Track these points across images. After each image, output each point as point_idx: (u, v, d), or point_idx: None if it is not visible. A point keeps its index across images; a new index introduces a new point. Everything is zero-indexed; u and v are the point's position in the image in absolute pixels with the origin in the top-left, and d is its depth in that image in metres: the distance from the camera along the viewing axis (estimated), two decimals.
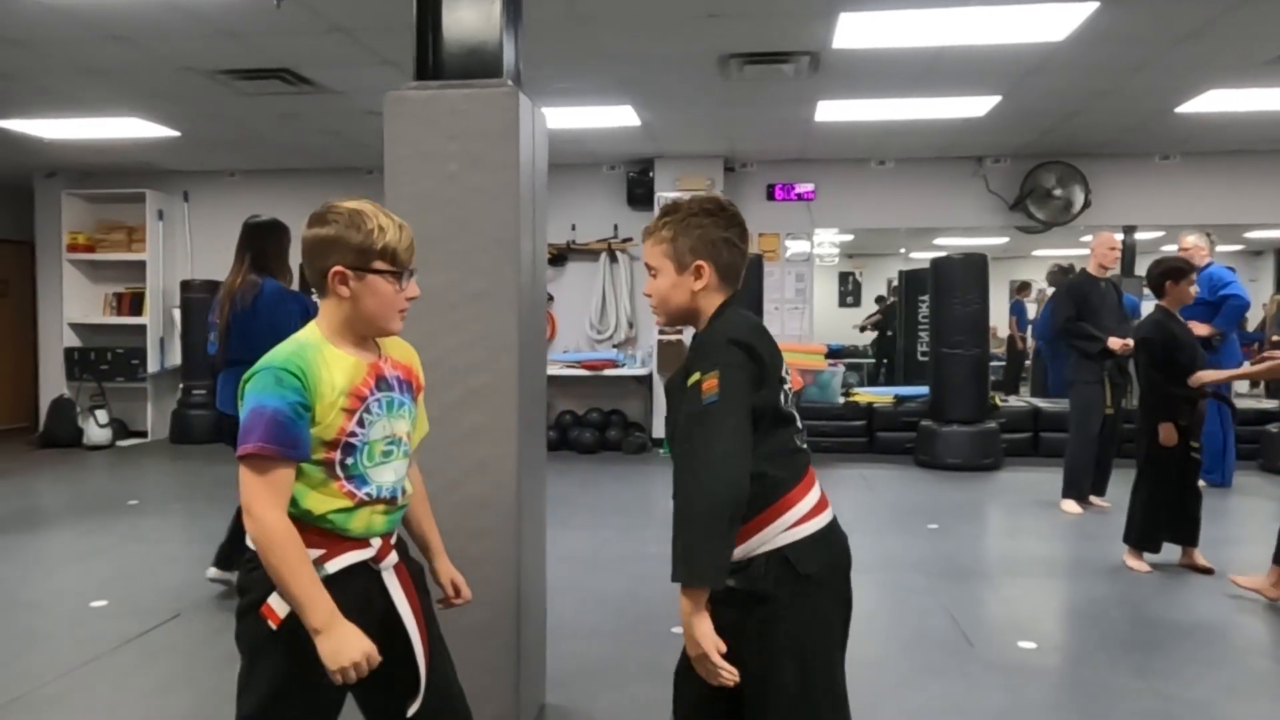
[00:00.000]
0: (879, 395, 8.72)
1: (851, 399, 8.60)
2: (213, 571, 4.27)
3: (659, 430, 8.53)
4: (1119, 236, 6.58)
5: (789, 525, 1.75)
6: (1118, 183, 8.49)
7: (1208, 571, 4.61)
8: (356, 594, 1.72)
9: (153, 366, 9.29)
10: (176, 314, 9.34)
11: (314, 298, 4.11)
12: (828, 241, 11.20)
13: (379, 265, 1.74)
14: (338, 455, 1.71)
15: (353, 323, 1.76)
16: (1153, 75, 5.89)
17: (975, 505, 6.42)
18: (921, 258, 11.61)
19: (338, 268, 1.72)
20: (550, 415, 8.72)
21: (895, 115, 6.98)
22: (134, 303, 9.48)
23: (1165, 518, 4.69)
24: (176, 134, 7.64)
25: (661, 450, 8.37)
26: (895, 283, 11.79)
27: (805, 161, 8.82)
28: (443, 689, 1.86)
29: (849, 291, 14.52)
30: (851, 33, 5.07)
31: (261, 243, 4.22)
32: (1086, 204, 8.45)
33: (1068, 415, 6.23)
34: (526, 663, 2.90)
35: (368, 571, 1.76)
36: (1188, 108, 6.72)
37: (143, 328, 9.30)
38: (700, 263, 1.82)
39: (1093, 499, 6.08)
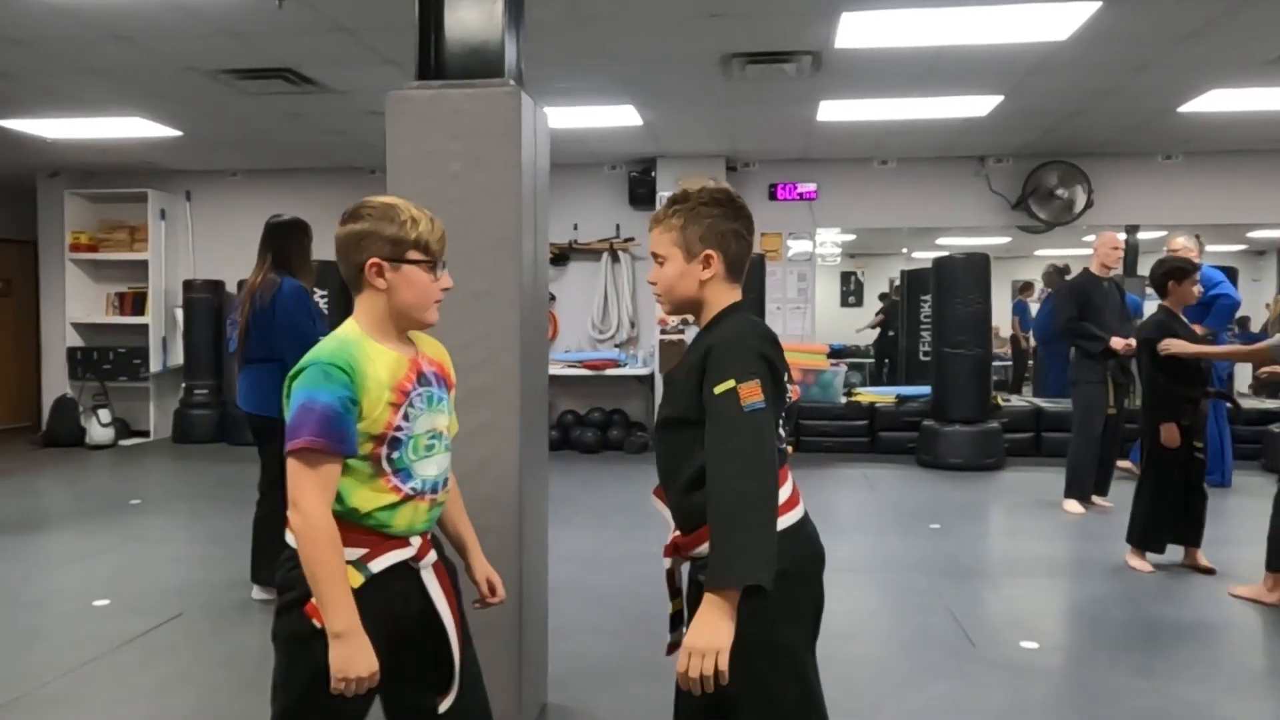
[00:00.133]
0: (881, 395, 8.71)
1: (853, 399, 8.59)
2: (256, 592, 4.27)
3: None
4: (1121, 236, 6.58)
5: None
6: (1120, 182, 8.48)
7: (1210, 572, 4.61)
8: (397, 593, 1.75)
9: (155, 366, 9.30)
10: (179, 313, 9.35)
11: (320, 300, 4.15)
12: (830, 241, 11.18)
13: (414, 256, 1.77)
14: (384, 450, 1.73)
15: (391, 316, 1.79)
16: (1155, 75, 5.88)
17: (977, 505, 6.42)
18: (924, 257, 11.58)
19: (374, 260, 1.75)
20: (552, 415, 8.73)
21: (897, 115, 6.98)
22: (136, 302, 9.49)
23: (1168, 518, 4.68)
24: (179, 134, 7.65)
25: None
26: (897, 282, 11.78)
27: (807, 161, 8.82)
28: (469, 688, 1.88)
29: (851, 291, 14.49)
30: (853, 32, 5.07)
31: (283, 242, 4.23)
32: (1089, 204, 8.44)
33: (1070, 415, 6.22)
34: (528, 662, 2.90)
35: (408, 571, 1.78)
36: (1190, 107, 6.71)
37: (145, 327, 9.31)
38: (709, 252, 1.82)
39: (1095, 499, 6.08)
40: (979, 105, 6.72)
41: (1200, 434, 4.66)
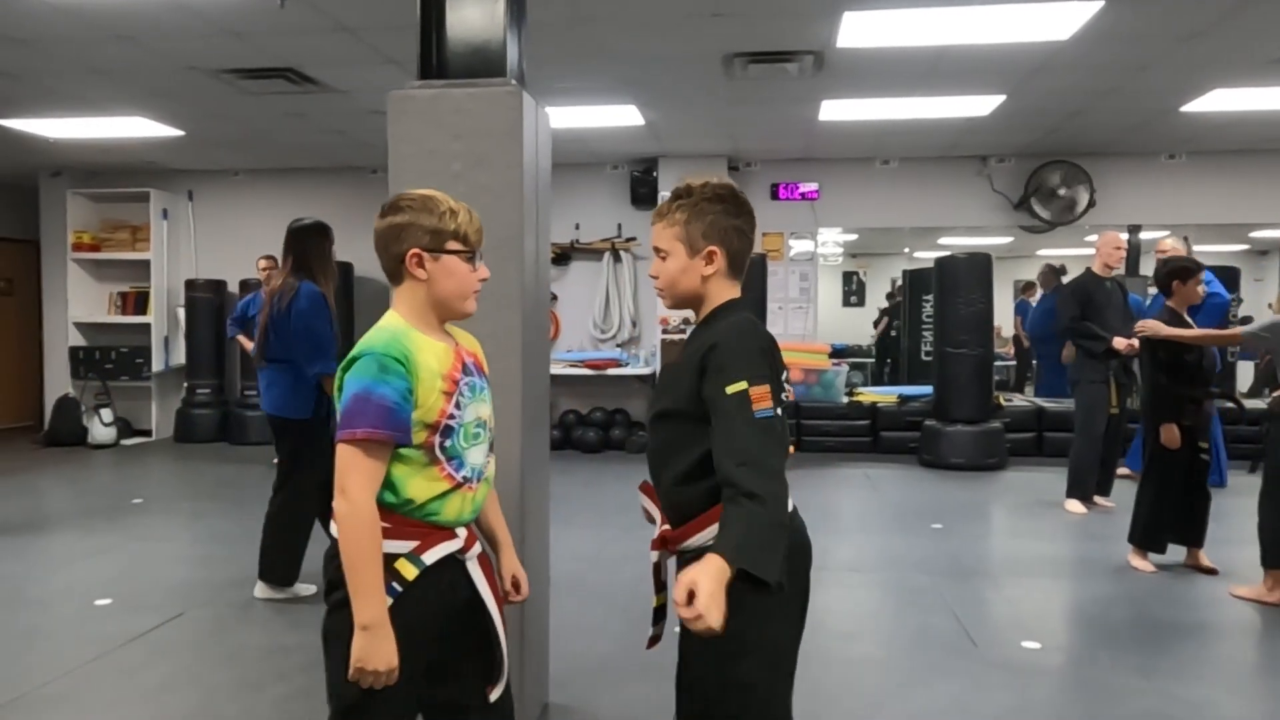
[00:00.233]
0: (883, 395, 8.71)
1: (855, 398, 8.59)
2: (260, 590, 4.29)
3: None
4: (1124, 236, 6.57)
5: None
6: (1123, 182, 8.48)
7: (1212, 572, 4.60)
8: (447, 585, 1.78)
9: (157, 365, 9.31)
10: (181, 313, 9.37)
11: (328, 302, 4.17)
12: (831, 241, 11.19)
13: (453, 246, 1.80)
14: (437, 438, 1.75)
15: (431, 305, 1.82)
16: (1158, 74, 5.88)
17: (979, 505, 6.41)
18: (926, 257, 11.57)
19: (414, 250, 1.77)
20: (554, 414, 8.73)
21: (899, 114, 6.98)
22: (138, 302, 9.50)
23: (1170, 518, 4.68)
24: (181, 133, 7.66)
25: None
26: (899, 282, 11.77)
27: (809, 161, 8.82)
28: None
29: (853, 291, 14.48)
30: (855, 32, 5.06)
31: (302, 245, 4.27)
32: (1091, 203, 8.43)
33: (1072, 415, 6.21)
34: (530, 661, 2.90)
35: (455, 563, 1.80)
36: (1193, 107, 6.70)
37: (147, 327, 9.32)
38: (712, 248, 1.82)
39: (1097, 499, 6.07)
40: (981, 105, 6.72)
41: (1204, 434, 4.65)
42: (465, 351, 1.88)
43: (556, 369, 8.30)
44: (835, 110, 6.87)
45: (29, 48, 5.35)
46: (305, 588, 4.31)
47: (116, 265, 9.57)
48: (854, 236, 11.53)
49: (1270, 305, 11.41)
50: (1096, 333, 5.78)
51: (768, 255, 8.72)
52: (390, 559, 1.71)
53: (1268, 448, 4.27)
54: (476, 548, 1.87)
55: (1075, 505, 5.99)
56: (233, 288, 9.26)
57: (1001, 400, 8.25)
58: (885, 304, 13.23)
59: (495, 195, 2.75)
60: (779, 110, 6.90)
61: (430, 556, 1.75)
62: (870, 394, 8.79)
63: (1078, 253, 10.42)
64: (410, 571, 1.72)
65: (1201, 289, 4.80)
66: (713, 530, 1.75)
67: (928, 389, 8.32)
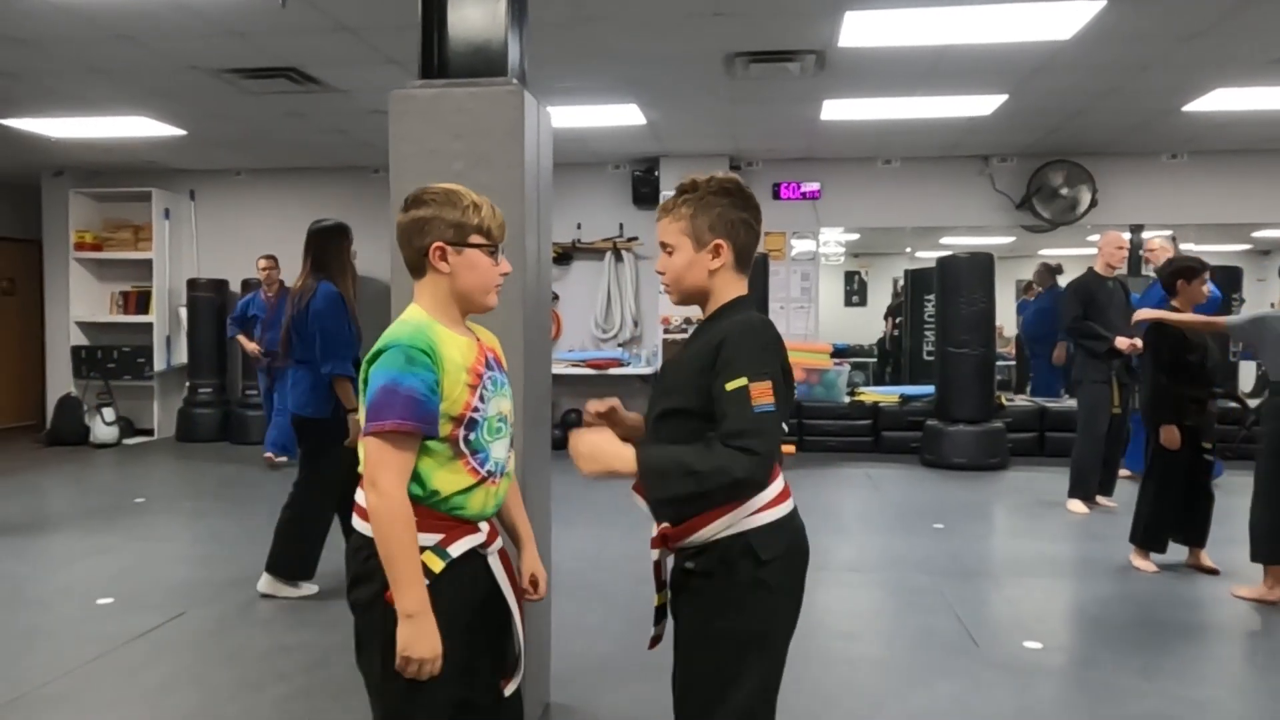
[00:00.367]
0: (885, 394, 8.70)
1: (857, 398, 8.58)
2: (265, 584, 4.30)
3: None
4: (1126, 235, 6.56)
5: (754, 510, 1.77)
6: (1125, 182, 8.46)
7: (1214, 572, 4.60)
8: (468, 579, 1.79)
9: (159, 365, 9.31)
10: (183, 312, 9.38)
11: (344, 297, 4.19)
12: (833, 240, 11.17)
13: (476, 240, 1.81)
14: (461, 431, 1.75)
15: (454, 299, 1.82)
16: (1160, 74, 5.87)
17: (981, 505, 6.41)
18: (927, 257, 11.56)
19: (438, 243, 1.78)
20: (555, 414, 8.73)
21: (901, 114, 6.97)
22: (140, 301, 9.51)
23: (1172, 518, 4.67)
24: (183, 133, 7.66)
25: None
26: (901, 282, 11.76)
27: (811, 160, 8.81)
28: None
29: (854, 291, 14.47)
30: (857, 31, 5.06)
31: (321, 246, 4.31)
32: (1093, 203, 8.42)
33: (1074, 415, 6.20)
34: (531, 661, 2.89)
35: (476, 557, 1.81)
36: (1195, 106, 6.69)
37: (149, 326, 9.32)
38: (719, 241, 1.82)
39: (1099, 499, 6.06)
40: (983, 104, 6.71)
41: (1208, 434, 4.64)
42: (486, 346, 1.89)
43: (558, 369, 8.29)
44: (837, 110, 6.87)
45: (31, 47, 5.35)
46: (309, 586, 4.32)
47: (118, 265, 9.57)
48: (856, 236, 11.52)
49: (1272, 304, 11.40)
50: (1099, 332, 5.77)
51: (769, 255, 8.71)
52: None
53: (1260, 444, 4.28)
54: (498, 542, 1.87)
55: (1077, 505, 5.99)
56: (234, 287, 9.26)
57: (1003, 400, 8.25)
58: (892, 302, 13.19)
59: (496, 195, 2.70)
60: (781, 110, 6.90)
61: (456, 550, 1.76)
62: (872, 394, 8.79)
63: (1080, 252, 10.41)
64: (436, 565, 1.72)
65: (1206, 288, 4.78)
66: (717, 525, 1.76)
67: (929, 389, 8.32)
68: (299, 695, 3.24)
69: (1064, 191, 8.44)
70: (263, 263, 7.69)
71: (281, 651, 3.64)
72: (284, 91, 6.28)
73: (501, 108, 2.76)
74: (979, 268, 7.81)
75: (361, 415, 1.73)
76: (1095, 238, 7.04)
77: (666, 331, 8.55)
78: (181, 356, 9.47)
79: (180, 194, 9.68)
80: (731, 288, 1.85)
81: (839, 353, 9.88)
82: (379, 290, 3.92)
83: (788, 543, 1.81)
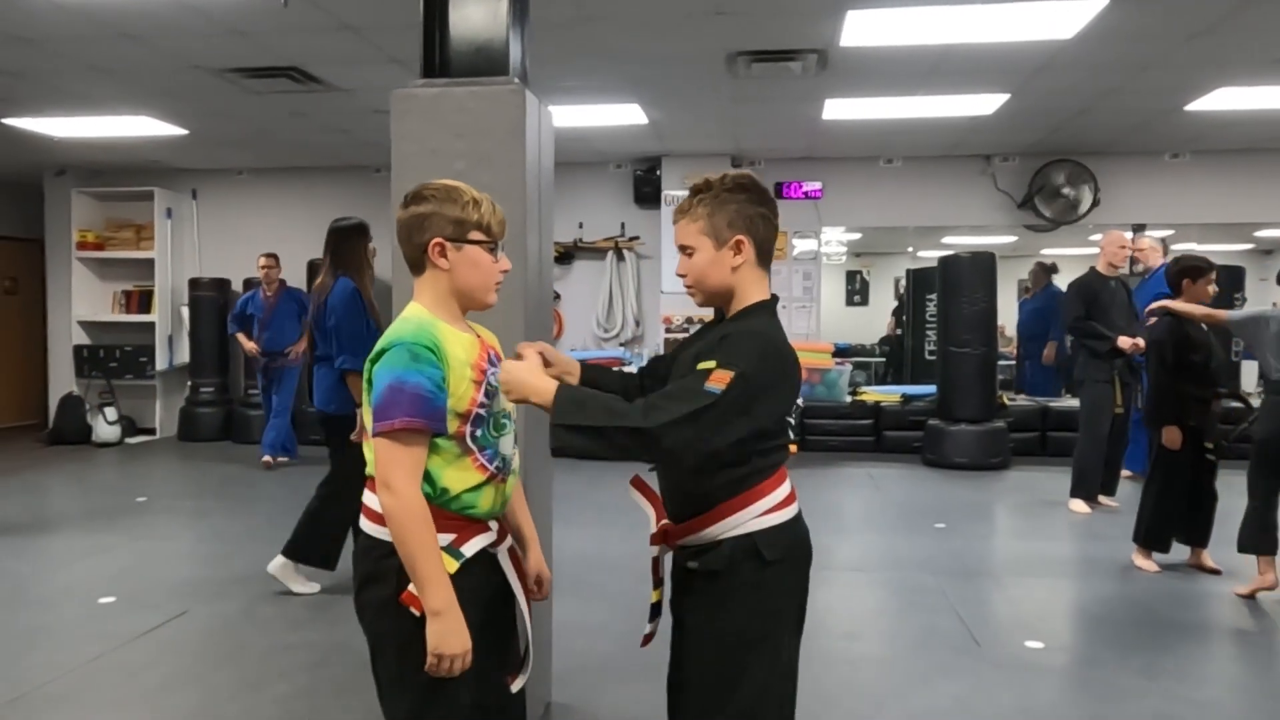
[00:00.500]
0: (886, 394, 8.70)
1: (859, 398, 8.58)
2: (279, 566, 4.31)
3: None
4: (1128, 235, 6.55)
5: (761, 512, 1.76)
6: (1127, 181, 8.45)
7: (1215, 572, 4.59)
8: (480, 577, 1.78)
9: (161, 364, 9.32)
10: (185, 312, 9.38)
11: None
12: (835, 240, 11.16)
13: (476, 236, 1.80)
14: (468, 428, 1.75)
15: (453, 295, 1.82)
16: (1162, 73, 5.86)
17: (983, 504, 6.40)
18: (929, 256, 11.55)
19: (437, 240, 1.78)
20: None
21: (903, 113, 6.96)
22: (142, 300, 9.52)
23: (1175, 518, 4.66)
24: (185, 132, 7.66)
25: None
26: (903, 281, 11.75)
27: (813, 160, 8.80)
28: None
29: (856, 290, 14.45)
30: (859, 30, 5.05)
31: (340, 244, 4.36)
32: (1095, 202, 8.41)
33: (1076, 414, 6.20)
34: (533, 660, 2.89)
35: (487, 556, 1.81)
36: (1197, 105, 6.68)
37: (151, 325, 9.33)
38: (740, 237, 1.80)
39: (1101, 499, 6.06)
40: (985, 104, 6.70)
41: (1212, 435, 4.63)
42: (487, 343, 1.89)
43: None
44: (839, 109, 6.86)
45: (34, 47, 5.35)
46: (310, 585, 4.32)
47: (121, 264, 9.58)
48: (857, 235, 11.51)
49: (1275, 304, 11.38)
50: (1101, 332, 5.76)
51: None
52: None
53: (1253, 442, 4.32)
54: (508, 541, 1.87)
55: (1079, 505, 5.98)
56: (236, 286, 9.27)
57: (1005, 400, 8.24)
58: (896, 303, 13.17)
59: (498, 194, 2.71)
60: (782, 109, 6.89)
61: (469, 549, 1.75)
62: (874, 393, 8.78)
63: (1082, 252, 10.40)
64: (450, 565, 1.71)
65: (1212, 288, 4.76)
66: (723, 525, 1.75)
67: (931, 388, 8.31)
68: (300, 694, 3.24)
69: (1066, 191, 8.43)
70: (263, 260, 7.65)
71: (283, 650, 3.64)
72: (286, 91, 6.28)
73: (503, 107, 2.76)
74: (981, 267, 7.81)
75: (367, 417, 1.73)
76: (1097, 237, 7.04)
77: (668, 331, 8.55)
78: (183, 356, 9.48)
79: (182, 193, 9.68)
80: (755, 287, 1.83)
81: (840, 352, 9.87)
82: (381, 289, 3.94)
83: (793, 545, 1.81)
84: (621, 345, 9.02)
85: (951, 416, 7.72)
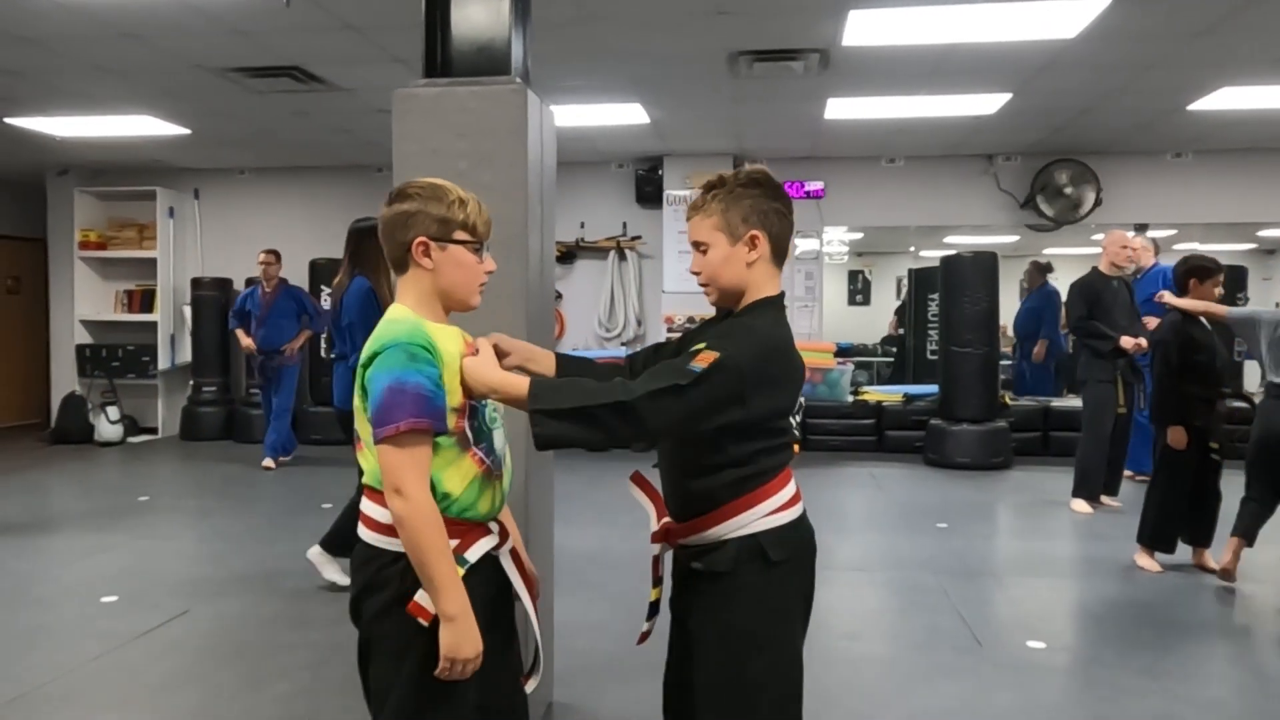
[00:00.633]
0: (888, 394, 8.69)
1: (861, 397, 8.57)
2: (319, 555, 4.36)
3: None
4: (1131, 234, 6.54)
5: (767, 513, 1.75)
6: (1129, 181, 8.44)
7: (1217, 572, 4.58)
8: (483, 581, 1.77)
9: (163, 363, 9.33)
10: (187, 311, 9.39)
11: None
12: (837, 239, 11.16)
13: (460, 236, 1.77)
14: (466, 421, 1.73)
15: (437, 295, 1.79)
16: (1165, 72, 5.85)
17: (985, 504, 6.40)
18: (931, 256, 11.55)
19: (421, 239, 1.74)
20: None
21: (905, 113, 6.96)
22: (145, 300, 9.53)
23: (1179, 518, 4.66)
24: (187, 132, 7.67)
25: None
26: (905, 281, 11.75)
27: (815, 159, 8.80)
28: (517, 681, 1.92)
29: (858, 290, 14.45)
30: (861, 30, 5.05)
31: (358, 244, 4.41)
32: (1098, 202, 8.40)
33: (1079, 414, 6.19)
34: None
35: (489, 558, 1.79)
36: (1200, 105, 6.67)
37: (153, 325, 9.34)
38: (755, 233, 1.78)
39: (1104, 498, 6.05)
40: (987, 103, 6.70)
41: (1216, 435, 4.63)
42: (468, 341, 1.87)
43: None
44: (841, 108, 6.86)
45: (36, 46, 5.36)
46: (345, 578, 4.33)
47: (123, 263, 9.58)
48: (859, 235, 11.51)
49: (1278, 304, 11.37)
50: (1104, 332, 5.75)
51: None
52: None
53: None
54: (509, 542, 1.86)
55: (1081, 505, 5.97)
56: (238, 286, 9.26)
57: (1007, 399, 8.24)
58: (899, 303, 13.17)
59: (500, 194, 2.74)
60: (784, 108, 6.89)
61: (473, 554, 1.74)
62: (875, 393, 8.78)
63: (1084, 251, 10.39)
64: (457, 571, 1.70)
65: (1218, 291, 4.74)
66: (728, 525, 1.74)
67: (933, 388, 8.31)
68: (302, 693, 3.24)
69: (1068, 190, 8.42)
70: (262, 257, 7.57)
71: (284, 649, 3.64)
72: (288, 90, 6.29)
73: (505, 107, 2.75)
74: (983, 267, 7.80)
75: (361, 425, 1.71)
76: (1099, 237, 7.03)
77: (670, 331, 8.54)
78: (185, 355, 9.48)
79: (185, 193, 9.69)
80: (767, 283, 1.81)
81: (842, 352, 9.86)
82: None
83: (798, 545, 1.80)
84: (623, 345, 9.02)
85: (953, 416, 7.72)
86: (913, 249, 13.36)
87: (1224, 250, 10.41)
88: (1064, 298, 6.75)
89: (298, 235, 9.06)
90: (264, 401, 7.82)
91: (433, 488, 1.69)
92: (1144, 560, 4.72)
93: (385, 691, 1.73)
